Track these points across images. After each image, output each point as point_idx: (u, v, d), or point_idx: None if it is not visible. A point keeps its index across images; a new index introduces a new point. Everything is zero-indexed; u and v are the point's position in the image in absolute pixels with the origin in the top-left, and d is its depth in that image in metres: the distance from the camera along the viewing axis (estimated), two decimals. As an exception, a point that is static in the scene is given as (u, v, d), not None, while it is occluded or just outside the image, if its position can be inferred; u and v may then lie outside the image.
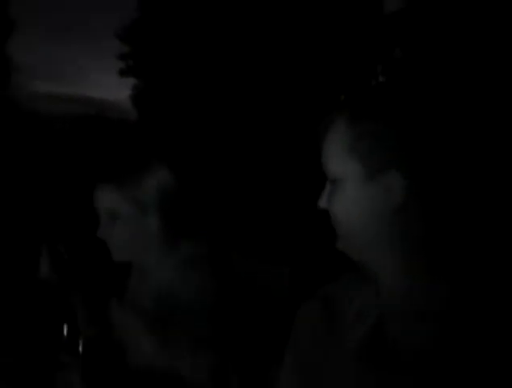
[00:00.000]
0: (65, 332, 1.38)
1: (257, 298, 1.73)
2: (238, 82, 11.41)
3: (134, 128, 12.62)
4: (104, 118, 12.23)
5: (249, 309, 1.66)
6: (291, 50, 10.50)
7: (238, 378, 1.49)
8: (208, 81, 11.74)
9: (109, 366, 1.41)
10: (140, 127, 12.73)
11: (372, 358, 1.19)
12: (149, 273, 1.70)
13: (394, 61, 9.95)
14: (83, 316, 1.68)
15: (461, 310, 1.16)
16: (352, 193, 1.21)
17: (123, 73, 14.45)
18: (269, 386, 1.37)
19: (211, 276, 1.68)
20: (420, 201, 1.16)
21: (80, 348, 1.39)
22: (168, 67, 12.55)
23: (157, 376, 1.39)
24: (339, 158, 1.22)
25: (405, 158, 1.19)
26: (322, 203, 1.27)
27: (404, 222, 1.18)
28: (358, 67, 10.15)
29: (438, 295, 1.14)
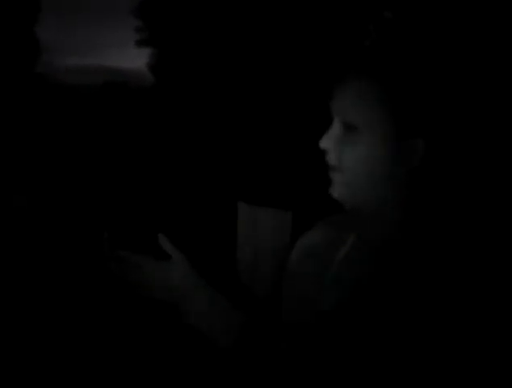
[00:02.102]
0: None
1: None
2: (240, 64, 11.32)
3: (152, 92, 12.69)
4: (126, 85, 12.27)
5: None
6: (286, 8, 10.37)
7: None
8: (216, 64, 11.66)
9: None
10: (158, 91, 12.77)
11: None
12: None
13: (385, 20, 9.81)
14: None
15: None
16: (372, 146, 1.14)
17: (139, 44, 14.55)
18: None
19: None
20: (431, 167, 1.11)
21: None
22: (179, 38, 12.51)
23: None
24: (367, 107, 1.13)
25: (432, 126, 1.14)
26: (326, 144, 1.17)
27: (412, 184, 1.15)
28: (351, 27, 10.02)
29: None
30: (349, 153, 1.16)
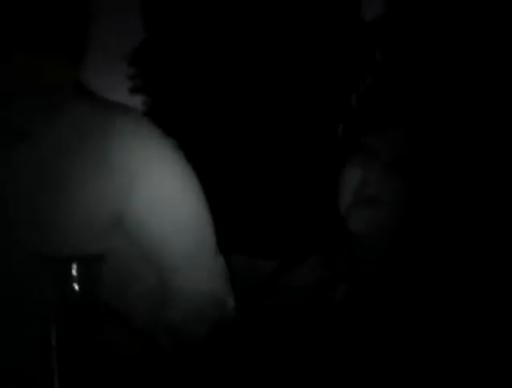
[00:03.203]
0: None
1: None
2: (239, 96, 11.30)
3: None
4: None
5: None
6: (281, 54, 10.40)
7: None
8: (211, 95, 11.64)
9: None
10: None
11: None
12: None
13: (375, 62, 9.87)
14: None
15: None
16: (416, 186, 1.27)
17: (131, 91, 14.54)
18: None
19: None
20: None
21: None
22: (172, 86, 12.51)
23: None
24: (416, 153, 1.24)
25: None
26: None
27: None
28: (346, 70, 10.07)
29: None
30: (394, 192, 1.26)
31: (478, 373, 1.09)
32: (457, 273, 1.21)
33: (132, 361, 1.12)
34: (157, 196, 1.23)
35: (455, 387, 1.11)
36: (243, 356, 1.33)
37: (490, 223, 1.21)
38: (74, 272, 1.08)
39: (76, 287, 1.08)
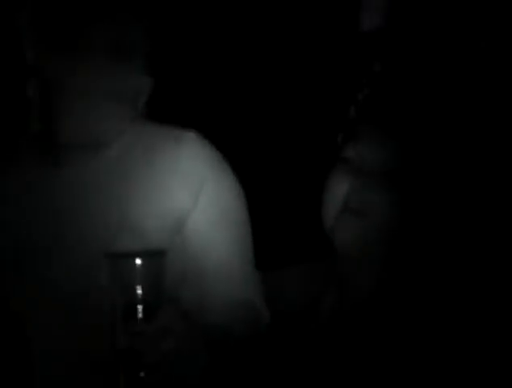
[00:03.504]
0: None
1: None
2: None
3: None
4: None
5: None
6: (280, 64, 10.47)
7: None
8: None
9: None
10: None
11: None
12: None
13: (374, 73, 9.89)
14: None
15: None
16: (400, 196, 1.34)
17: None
18: None
19: None
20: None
21: None
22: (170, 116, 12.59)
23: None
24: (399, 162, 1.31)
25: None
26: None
27: None
28: (344, 81, 10.13)
29: None
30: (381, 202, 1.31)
31: (478, 374, 1.10)
32: (446, 286, 1.21)
33: (192, 354, 1.25)
34: (217, 203, 1.42)
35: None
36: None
37: (480, 237, 1.22)
38: (138, 266, 1.20)
39: (140, 280, 1.20)
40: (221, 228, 1.41)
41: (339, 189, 1.42)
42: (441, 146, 1.26)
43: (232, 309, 1.42)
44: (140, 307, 1.21)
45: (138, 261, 1.22)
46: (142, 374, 1.26)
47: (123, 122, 1.40)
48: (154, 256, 1.24)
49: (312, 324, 1.39)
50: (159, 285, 1.24)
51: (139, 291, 1.21)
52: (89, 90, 1.37)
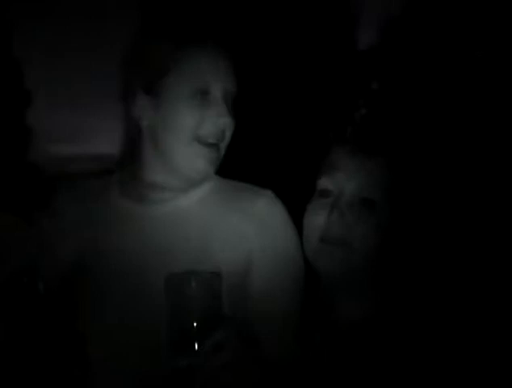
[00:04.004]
0: None
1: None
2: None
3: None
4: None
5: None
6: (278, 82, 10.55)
7: None
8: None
9: None
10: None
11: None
12: None
13: (372, 92, 10.02)
14: None
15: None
16: (381, 220, 1.35)
17: (121, 98, 14.61)
18: None
19: None
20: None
21: None
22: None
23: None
24: (383, 188, 1.37)
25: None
26: (335, 218, 1.34)
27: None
28: (342, 101, 10.20)
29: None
30: (366, 228, 1.36)
31: (478, 374, 1.13)
32: (431, 310, 1.26)
33: (245, 370, 1.32)
34: (281, 254, 1.62)
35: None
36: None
37: (463, 266, 1.28)
38: (194, 285, 1.29)
39: (197, 298, 1.29)
40: (282, 274, 1.60)
41: (319, 220, 1.45)
42: (427, 170, 1.31)
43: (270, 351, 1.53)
44: (196, 324, 1.29)
45: (195, 280, 1.30)
46: None
47: (211, 166, 1.59)
48: (211, 276, 1.33)
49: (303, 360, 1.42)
50: (215, 305, 1.33)
51: (196, 309, 1.29)
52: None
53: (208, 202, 1.62)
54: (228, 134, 1.53)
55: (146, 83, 1.56)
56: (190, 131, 1.45)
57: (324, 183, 1.45)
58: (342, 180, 1.32)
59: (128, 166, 1.53)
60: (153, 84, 1.58)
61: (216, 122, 1.47)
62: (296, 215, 1.57)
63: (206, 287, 1.31)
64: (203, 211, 1.60)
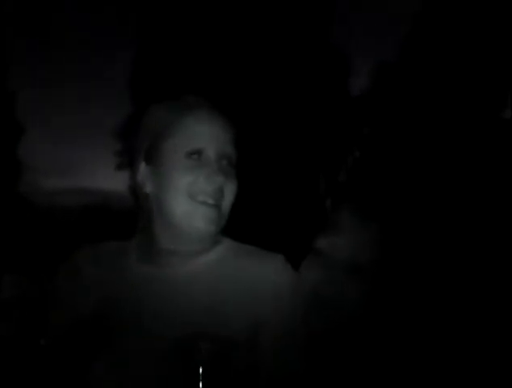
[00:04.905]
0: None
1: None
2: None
3: (134, 214, 12.73)
4: (107, 207, 12.29)
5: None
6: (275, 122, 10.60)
7: None
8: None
9: None
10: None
11: None
12: None
13: (364, 137, 10.17)
14: None
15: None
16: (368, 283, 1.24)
17: (119, 167, 14.64)
18: None
19: None
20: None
21: None
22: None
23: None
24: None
25: None
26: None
27: None
28: (335, 145, 10.31)
29: None
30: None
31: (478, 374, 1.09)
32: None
33: None
34: (290, 317, 1.45)
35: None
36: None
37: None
38: (202, 350, 1.15)
39: (204, 364, 1.15)
40: (289, 339, 1.46)
41: (311, 280, 1.33)
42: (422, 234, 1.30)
43: None
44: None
45: (203, 346, 1.16)
46: None
47: (212, 226, 1.47)
48: (220, 343, 1.19)
49: None
50: (222, 369, 1.18)
51: (203, 375, 1.15)
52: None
53: (219, 265, 1.52)
54: (229, 194, 1.54)
55: (146, 153, 1.51)
56: (184, 190, 1.48)
57: (320, 242, 1.33)
58: (338, 242, 1.29)
59: (144, 230, 1.57)
60: (151, 153, 1.51)
61: (209, 180, 1.49)
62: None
63: (215, 353, 1.18)
64: (214, 274, 1.50)
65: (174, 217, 1.54)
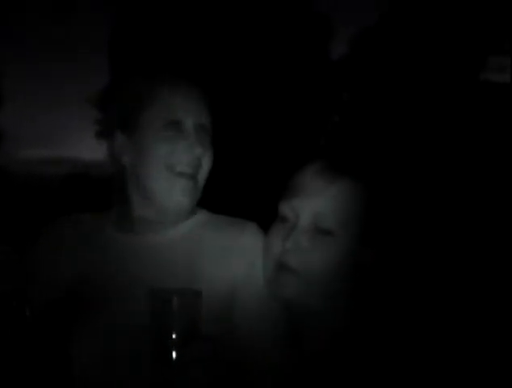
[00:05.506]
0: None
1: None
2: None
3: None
4: (88, 176, 12.22)
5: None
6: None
7: None
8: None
9: None
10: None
11: None
12: None
13: (343, 103, 10.16)
14: None
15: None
16: (343, 249, 1.17)
17: (98, 135, 14.56)
18: None
19: None
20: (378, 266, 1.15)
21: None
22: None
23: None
24: (341, 215, 1.17)
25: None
26: (292, 245, 1.23)
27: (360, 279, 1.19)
28: (314, 111, 10.29)
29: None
30: (322, 255, 1.18)
31: (478, 374, 1.08)
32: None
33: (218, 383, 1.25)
34: (256, 282, 1.49)
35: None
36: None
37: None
38: (175, 303, 1.21)
39: (175, 314, 1.21)
40: (263, 300, 1.50)
41: (277, 247, 1.29)
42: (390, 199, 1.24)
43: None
44: (174, 337, 1.21)
45: (176, 297, 1.22)
46: None
47: (188, 198, 1.53)
48: (192, 295, 1.25)
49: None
50: (194, 321, 1.23)
51: (174, 323, 1.21)
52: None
53: (196, 233, 1.56)
54: (206, 165, 1.56)
55: (122, 122, 1.51)
56: (163, 161, 1.49)
57: (281, 208, 1.28)
58: (298, 207, 1.22)
59: (121, 201, 1.58)
60: (128, 122, 1.52)
61: (187, 151, 1.50)
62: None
63: (186, 304, 1.22)
64: (191, 241, 1.55)
65: (153, 191, 1.56)
